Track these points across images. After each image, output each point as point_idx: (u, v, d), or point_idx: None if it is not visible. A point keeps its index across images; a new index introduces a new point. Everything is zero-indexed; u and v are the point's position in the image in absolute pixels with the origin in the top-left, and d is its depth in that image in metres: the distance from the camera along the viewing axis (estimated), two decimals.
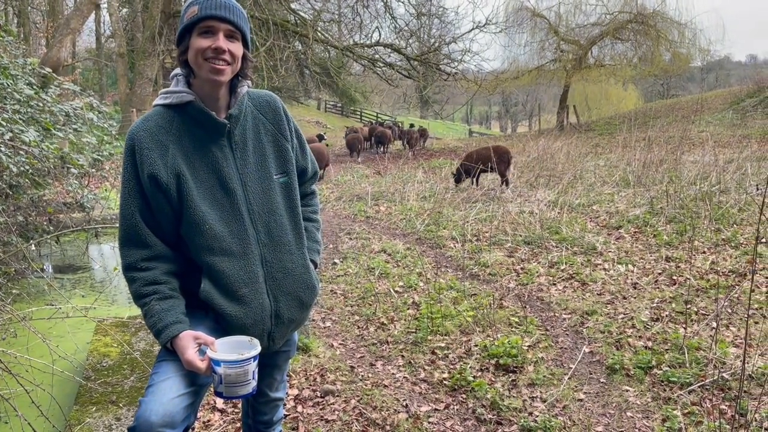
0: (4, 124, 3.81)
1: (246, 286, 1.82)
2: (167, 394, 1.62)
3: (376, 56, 20.22)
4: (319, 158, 19.43)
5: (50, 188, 5.34)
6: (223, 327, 1.81)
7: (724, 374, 3.27)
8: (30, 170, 3.81)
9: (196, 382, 1.72)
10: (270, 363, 2.01)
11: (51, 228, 5.13)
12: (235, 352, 1.68)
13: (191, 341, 1.68)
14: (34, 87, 4.67)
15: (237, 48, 1.77)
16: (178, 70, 1.85)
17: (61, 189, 5.93)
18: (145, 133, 1.77)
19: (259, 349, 1.71)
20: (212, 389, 1.74)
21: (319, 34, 18.14)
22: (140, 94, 17.64)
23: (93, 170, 5.01)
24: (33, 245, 3.77)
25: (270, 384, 2.11)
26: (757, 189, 8.16)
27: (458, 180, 11.68)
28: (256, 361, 1.70)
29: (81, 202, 5.46)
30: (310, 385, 3.56)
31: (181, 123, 1.80)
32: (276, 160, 1.92)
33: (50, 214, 5.24)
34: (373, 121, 35.78)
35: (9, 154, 3.50)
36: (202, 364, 1.65)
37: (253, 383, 1.70)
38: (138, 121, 1.82)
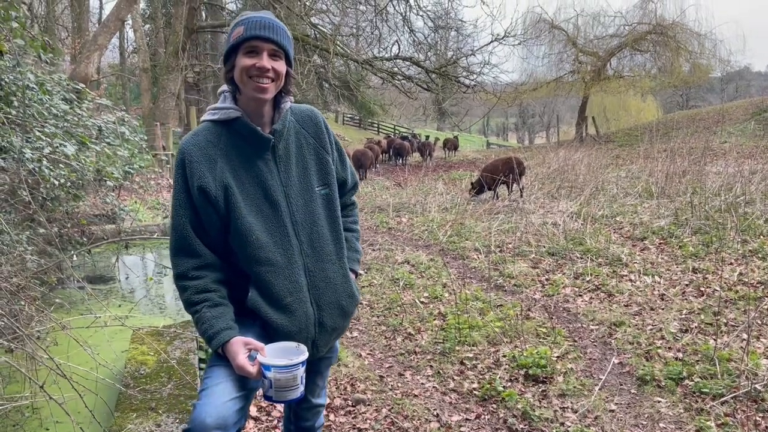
0: (44, 138, 3.93)
1: (290, 295, 1.88)
2: (220, 397, 1.68)
3: (395, 69, 20.33)
4: (363, 159, 19.49)
5: (84, 200, 5.47)
6: (270, 334, 1.87)
7: (756, 385, 3.26)
8: (68, 183, 3.93)
9: (247, 386, 1.78)
10: (313, 369, 2.06)
11: (84, 239, 5.25)
12: (284, 357, 1.74)
13: (242, 347, 1.74)
14: (72, 102, 4.82)
15: (280, 66, 1.85)
16: (225, 87, 1.93)
17: (93, 201, 6.07)
18: (194, 148, 1.84)
19: (306, 354, 1.76)
20: (261, 393, 1.79)
21: (338, 47, 18.31)
22: (163, 108, 17.89)
23: (127, 183, 5.15)
24: (75, 256, 3.88)
25: (312, 390, 2.16)
26: None
27: (479, 192, 11.70)
28: (304, 367, 1.75)
29: (113, 214, 5.59)
30: (341, 394, 3.60)
31: (229, 138, 1.88)
32: (317, 172, 1.99)
33: (83, 226, 5.37)
34: (391, 134, 35.97)
35: (50, 167, 3.62)
36: (253, 369, 1.71)
37: (301, 387, 1.76)
38: (188, 136, 1.90)
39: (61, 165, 3.83)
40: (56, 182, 3.67)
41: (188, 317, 4.58)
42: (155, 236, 6.09)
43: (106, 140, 5.21)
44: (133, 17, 21.31)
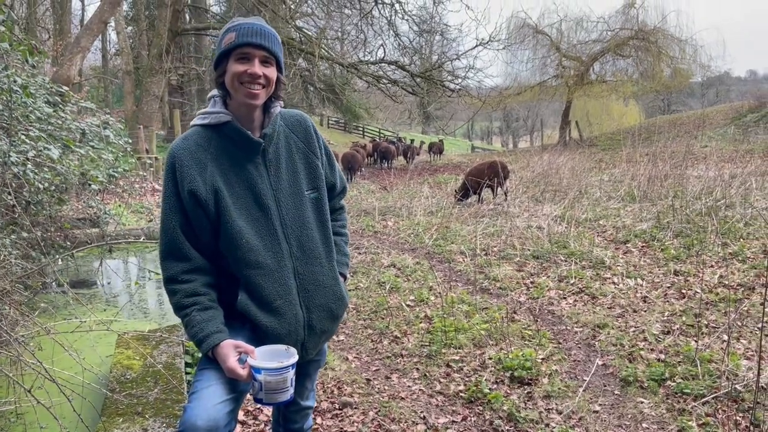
0: (28, 141, 3.90)
1: (280, 298, 1.89)
2: (211, 399, 1.69)
3: (380, 73, 20.40)
4: (353, 162, 19.51)
5: (68, 204, 5.43)
6: (259, 337, 1.88)
7: (737, 386, 3.32)
8: (53, 186, 3.90)
9: (237, 389, 1.79)
10: (302, 372, 2.07)
11: (68, 243, 5.21)
12: (273, 360, 1.75)
13: (232, 350, 1.75)
14: (55, 105, 4.78)
15: (271, 72, 1.87)
16: (215, 92, 1.94)
17: (77, 205, 6.03)
18: (184, 152, 1.85)
19: (296, 357, 1.78)
20: (251, 396, 1.80)
21: (324, 51, 18.33)
22: (147, 111, 17.80)
23: (112, 186, 5.12)
24: (59, 260, 3.85)
25: (301, 392, 2.17)
26: None
27: (465, 196, 11.76)
28: (294, 369, 1.77)
29: (96, 217, 5.55)
30: (328, 397, 3.61)
31: (219, 142, 1.89)
32: (307, 176, 2.00)
33: (66, 230, 5.32)
34: (377, 138, 36.02)
35: (35, 171, 3.59)
36: (243, 372, 1.72)
37: (291, 390, 1.77)
38: (178, 140, 1.90)
39: (45, 168, 3.80)
40: (40, 186, 3.65)
41: (174, 321, 4.57)
42: (141, 240, 6.05)
43: (90, 143, 5.17)
44: (116, 19, 21.17)
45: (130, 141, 6.39)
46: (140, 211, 10.23)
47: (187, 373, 3.51)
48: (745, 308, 4.59)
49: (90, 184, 4.72)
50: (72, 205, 6.00)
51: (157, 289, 6.29)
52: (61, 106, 4.99)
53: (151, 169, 14.41)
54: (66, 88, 5.54)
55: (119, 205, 7.43)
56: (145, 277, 6.51)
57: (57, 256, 3.89)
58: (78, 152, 4.54)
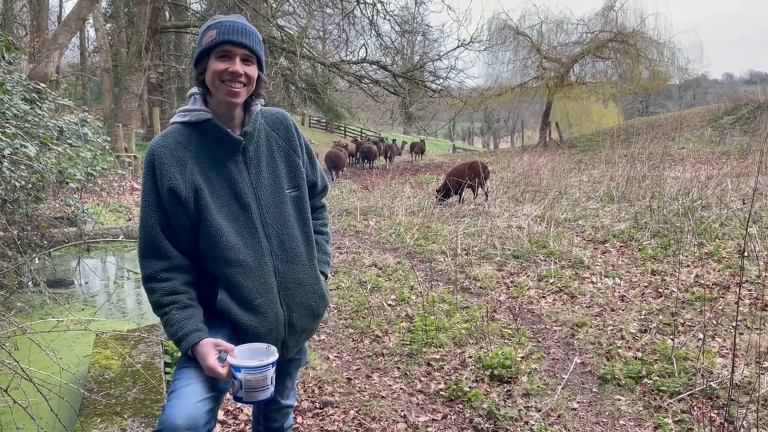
0: (5, 138, 3.85)
1: (260, 297, 1.89)
2: (190, 398, 1.68)
3: (362, 72, 20.39)
4: (336, 161, 19.52)
5: (45, 202, 5.36)
6: (239, 335, 1.88)
7: (711, 383, 3.38)
8: (30, 185, 3.85)
9: (216, 387, 1.78)
10: (282, 371, 2.07)
11: (44, 242, 5.14)
12: (254, 358, 1.74)
13: (212, 348, 1.75)
14: (31, 102, 4.71)
15: (252, 70, 1.86)
16: (195, 90, 1.92)
17: (54, 203, 5.95)
18: (164, 149, 1.84)
19: (276, 355, 1.78)
20: (231, 394, 1.80)
21: (305, 50, 18.27)
22: (125, 109, 17.59)
23: (91, 185, 5.06)
24: (36, 259, 3.80)
25: (281, 391, 2.16)
26: (743, 203, 8.38)
27: (446, 196, 11.81)
28: (274, 368, 1.77)
29: (74, 216, 5.48)
30: (309, 396, 3.60)
31: (199, 140, 1.88)
32: (288, 175, 2.00)
33: (43, 228, 5.25)
34: (358, 137, 35.99)
35: (12, 168, 3.54)
36: (223, 370, 1.71)
37: (272, 388, 1.77)
38: (157, 138, 1.89)
39: (22, 166, 3.75)
40: (17, 184, 3.60)
41: (153, 321, 4.54)
42: (120, 239, 5.98)
43: (67, 141, 5.11)
44: (95, 16, 20.89)
45: (109, 139, 6.32)
46: (119, 210, 10.12)
47: (166, 373, 3.49)
48: (720, 307, 4.67)
49: (68, 183, 4.66)
50: (49, 203, 5.93)
51: (136, 288, 6.23)
52: (38, 103, 4.92)
53: (130, 167, 14.25)
54: (43, 85, 5.47)
55: (97, 204, 7.33)
56: (123, 277, 6.44)
57: (34, 255, 3.84)
58: (55, 150, 4.48)
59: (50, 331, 3.24)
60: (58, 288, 5.85)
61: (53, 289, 5.77)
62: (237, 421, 3.31)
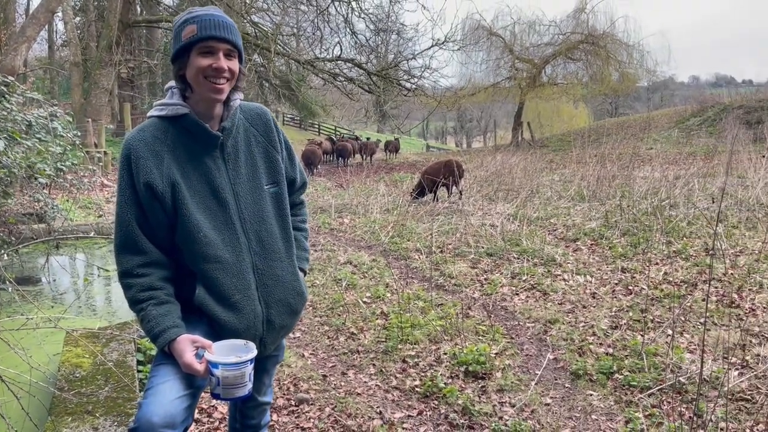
0: None
1: (238, 293, 1.87)
2: (167, 395, 1.66)
3: (337, 70, 20.34)
4: (312, 158, 19.48)
5: (13, 198, 5.23)
6: (217, 332, 1.86)
7: (681, 378, 3.46)
8: None
9: (194, 384, 1.76)
10: (260, 367, 2.06)
11: (12, 239, 5.02)
12: (232, 354, 1.73)
13: (189, 344, 1.73)
14: (0, 96, 4.60)
15: (234, 65, 1.85)
16: (172, 83, 1.89)
17: (22, 199, 5.81)
18: (141, 143, 1.81)
19: (255, 352, 1.76)
20: (208, 391, 1.79)
21: (279, 47, 18.16)
22: (95, 104, 17.27)
23: (60, 180, 4.95)
24: (5, 255, 3.70)
25: (259, 388, 2.15)
26: (713, 201, 8.58)
27: (420, 194, 11.85)
28: (252, 364, 1.76)
29: (43, 212, 5.36)
30: (284, 394, 3.59)
31: (176, 134, 1.85)
32: (266, 170, 1.99)
33: (11, 225, 5.13)
34: (333, 135, 35.89)
35: None
36: (200, 367, 1.70)
37: (249, 385, 1.76)
38: (134, 132, 1.86)
39: None
40: None
41: (125, 318, 4.47)
42: (90, 235, 5.87)
43: (36, 135, 5.00)
44: (64, 9, 20.44)
45: (79, 134, 6.20)
46: (89, 206, 9.93)
47: (139, 371, 3.44)
48: (689, 304, 4.78)
49: (36, 178, 4.56)
50: (17, 198, 5.79)
51: (106, 286, 6.12)
52: (6, 96, 4.81)
53: (100, 163, 14.00)
54: (11, 78, 5.34)
55: (67, 200, 7.18)
56: (93, 274, 6.32)
57: (1, 252, 3.74)
58: (24, 144, 4.38)
59: (19, 329, 3.17)
60: (26, 285, 5.72)
61: (21, 286, 5.64)
62: (211, 419, 3.28)
